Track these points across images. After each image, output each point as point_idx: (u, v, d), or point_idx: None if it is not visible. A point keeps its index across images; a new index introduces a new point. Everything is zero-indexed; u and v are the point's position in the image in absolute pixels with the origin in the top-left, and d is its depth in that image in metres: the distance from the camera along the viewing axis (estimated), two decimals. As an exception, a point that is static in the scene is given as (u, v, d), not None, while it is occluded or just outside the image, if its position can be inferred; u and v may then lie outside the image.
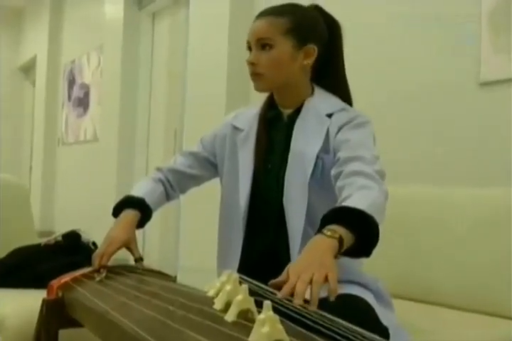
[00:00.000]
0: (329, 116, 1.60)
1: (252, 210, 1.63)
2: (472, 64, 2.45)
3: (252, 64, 1.61)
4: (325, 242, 1.17)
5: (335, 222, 1.21)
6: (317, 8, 1.69)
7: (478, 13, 2.41)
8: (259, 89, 1.65)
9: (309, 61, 1.62)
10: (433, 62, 2.65)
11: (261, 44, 1.59)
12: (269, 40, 1.58)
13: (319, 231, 1.21)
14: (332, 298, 1.05)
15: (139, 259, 1.68)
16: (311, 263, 1.12)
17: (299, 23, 1.59)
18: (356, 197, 1.30)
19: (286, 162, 1.59)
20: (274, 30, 1.58)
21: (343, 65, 1.70)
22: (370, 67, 2.96)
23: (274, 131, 1.67)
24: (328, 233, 1.18)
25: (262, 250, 1.61)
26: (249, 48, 1.64)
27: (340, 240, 1.18)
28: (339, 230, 1.19)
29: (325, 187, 1.51)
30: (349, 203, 1.26)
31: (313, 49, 1.61)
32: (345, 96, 1.69)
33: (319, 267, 1.10)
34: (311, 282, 1.06)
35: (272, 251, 1.59)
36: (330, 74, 1.69)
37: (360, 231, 1.21)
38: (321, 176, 1.54)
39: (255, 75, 1.62)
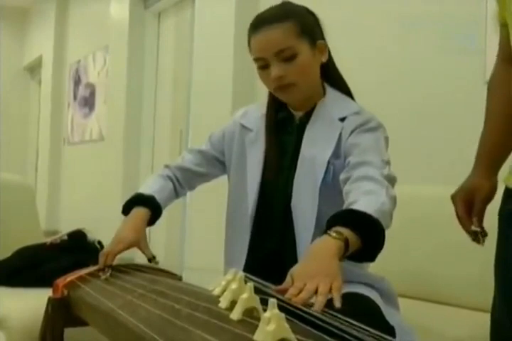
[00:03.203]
0: (342, 120, 1.57)
1: (259, 212, 1.62)
2: (478, 64, 2.44)
3: (280, 77, 1.53)
4: (330, 244, 1.16)
5: (341, 224, 1.20)
6: (288, 3, 1.63)
7: (483, 12, 2.41)
8: (292, 99, 1.61)
9: (326, 56, 1.59)
10: (439, 63, 2.64)
11: (283, 56, 1.51)
12: (291, 50, 1.51)
13: (325, 232, 1.20)
14: (338, 305, 1.02)
15: (152, 258, 1.65)
16: (316, 270, 1.10)
17: (304, 23, 1.55)
18: (362, 202, 1.28)
19: (296, 165, 1.58)
20: (290, 37, 1.51)
21: (331, 56, 1.66)
22: (374, 69, 2.96)
23: (285, 133, 1.65)
24: (334, 234, 1.17)
25: (268, 252, 1.60)
26: (264, 66, 1.55)
27: (346, 242, 1.16)
28: (345, 232, 1.18)
29: (336, 192, 1.48)
30: (356, 207, 1.26)
31: (323, 44, 1.59)
32: (345, 88, 1.67)
33: (324, 276, 1.08)
34: (316, 291, 1.05)
35: (278, 253, 1.59)
36: (325, 67, 1.64)
37: (366, 235, 1.20)
38: (332, 181, 1.52)
39: (286, 87, 1.56)
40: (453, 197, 1.49)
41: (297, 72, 1.53)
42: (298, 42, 1.52)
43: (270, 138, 1.64)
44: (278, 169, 1.61)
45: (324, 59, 1.59)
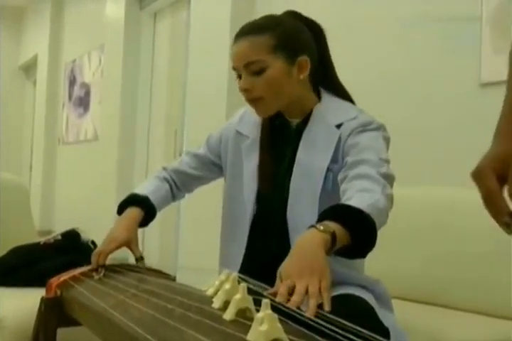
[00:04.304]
0: (338, 126, 1.55)
1: (257, 220, 1.60)
2: (472, 65, 2.44)
3: (246, 90, 1.54)
4: (316, 237, 1.15)
5: (330, 218, 1.20)
6: (292, 14, 1.62)
7: (479, 13, 2.41)
8: (262, 113, 1.60)
9: (305, 74, 1.55)
10: (433, 63, 2.64)
11: (252, 69, 1.51)
12: (259, 64, 1.50)
13: (312, 225, 1.19)
14: (327, 308, 1.02)
15: (139, 258, 1.67)
16: (303, 266, 1.10)
17: (284, 37, 1.52)
18: (355, 198, 1.28)
19: (292, 173, 1.57)
20: (260, 51, 1.50)
21: (332, 65, 1.65)
22: (369, 69, 2.96)
23: (281, 140, 1.63)
24: (321, 228, 1.16)
25: (265, 258, 1.55)
26: (238, 76, 1.56)
27: (333, 235, 1.16)
28: (332, 225, 1.17)
29: (337, 198, 1.43)
30: (348, 203, 1.25)
31: (305, 60, 1.54)
32: (345, 95, 1.66)
33: (312, 273, 1.08)
34: (306, 292, 1.05)
35: (275, 260, 1.57)
36: (323, 77, 1.64)
37: (355, 229, 1.19)
38: (332, 187, 1.50)
39: (254, 101, 1.56)
40: (479, 171, 1.12)
41: (264, 86, 1.52)
42: (270, 56, 1.50)
43: (266, 148, 1.63)
44: (274, 177, 1.60)
45: (302, 76, 1.55)
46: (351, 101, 1.67)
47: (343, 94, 1.66)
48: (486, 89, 2.41)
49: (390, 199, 1.35)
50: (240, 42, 1.54)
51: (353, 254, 1.24)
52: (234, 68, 1.57)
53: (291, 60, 1.53)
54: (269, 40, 1.51)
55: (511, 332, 1.78)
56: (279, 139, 1.63)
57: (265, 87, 1.52)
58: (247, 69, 1.53)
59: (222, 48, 3.87)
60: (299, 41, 1.55)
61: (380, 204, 1.29)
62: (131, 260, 1.71)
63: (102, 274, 1.57)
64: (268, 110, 1.59)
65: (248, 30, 1.54)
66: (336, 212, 1.23)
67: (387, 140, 1.55)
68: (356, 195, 1.30)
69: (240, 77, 1.56)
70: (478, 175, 1.12)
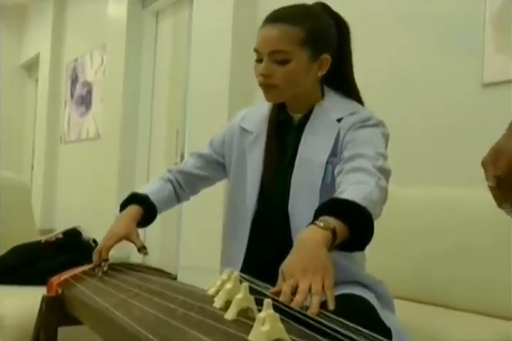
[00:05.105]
0: (338, 120, 1.56)
1: (259, 215, 1.60)
2: (475, 65, 2.44)
3: (264, 76, 1.54)
4: (317, 234, 1.15)
5: (327, 213, 1.20)
6: (323, 6, 1.62)
7: (482, 13, 2.41)
8: (271, 99, 1.61)
9: (323, 72, 1.57)
10: (435, 63, 2.64)
11: (275, 58, 1.51)
12: (285, 54, 1.50)
13: (312, 222, 1.19)
14: (331, 307, 1.02)
15: (141, 248, 1.65)
16: (306, 265, 1.10)
17: (314, 33, 1.52)
18: (350, 190, 1.28)
19: (293, 167, 1.57)
20: (289, 42, 1.50)
21: (351, 66, 1.66)
22: (370, 69, 2.95)
23: (284, 135, 1.64)
24: (321, 224, 1.16)
25: (267, 256, 1.57)
26: (259, 59, 1.56)
27: (334, 232, 1.16)
28: (332, 221, 1.17)
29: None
30: (343, 196, 1.26)
31: (327, 59, 1.55)
32: (356, 97, 1.66)
33: (315, 271, 1.08)
34: (309, 290, 1.05)
35: (277, 257, 1.56)
36: (339, 76, 1.64)
37: (354, 223, 1.20)
38: (331, 181, 1.51)
39: (268, 87, 1.56)
40: (482, 163, 1.17)
41: (283, 76, 1.52)
42: (297, 49, 1.50)
43: (271, 141, 1.64)
44: (277, 171, 1.61)
45: (320, 73, 1.56)
46: (359, 101, 1.67)
47: (356, 93, 1.67)
48: (488, 90, 2.41)
49: (384, 191, 1.35)
50: (269, 27, 1.53)
51: (351, 248, 1.24)
52: (256, 51, 1.56)
53: (315, 57, 1.54)
54: (299, 33, 1.50)
55: (511, 332, 1.78)
56: (282, 134, 1.65)
57: (284, 77, 1.52)
58: (271, 56, 1.52)
59: (225, 48, 3.87)
60: (326, 39, 1.56)
61: (374, 196, 1.30)
62: (133, 259, 1.71)
63: (105, 268, 1.57)
64: (278, 98, 1.60)
65: (280, 18, 1.53)
66: (334, 206, 1.23)
67: (385, 136, 1.56)
68: (350, 188, 1.30)
69: (260, 60, 1.56)
70: (483, 167, 1.18)
